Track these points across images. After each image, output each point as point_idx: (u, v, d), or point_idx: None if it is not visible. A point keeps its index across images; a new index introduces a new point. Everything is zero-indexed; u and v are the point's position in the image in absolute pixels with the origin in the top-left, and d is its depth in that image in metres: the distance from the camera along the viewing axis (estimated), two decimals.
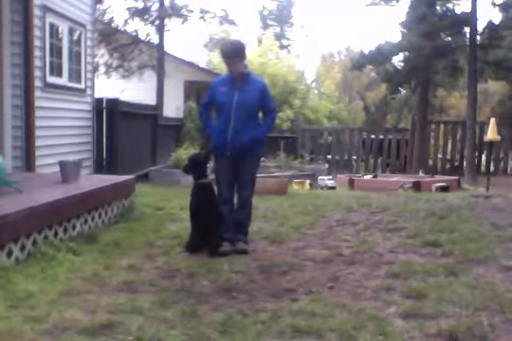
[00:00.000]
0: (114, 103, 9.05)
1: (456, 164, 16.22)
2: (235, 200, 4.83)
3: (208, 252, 4.39)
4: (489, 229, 5.32)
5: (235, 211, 4.77)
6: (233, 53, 4.59)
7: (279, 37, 35.00)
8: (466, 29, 15.50)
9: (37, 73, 6.73)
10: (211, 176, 4.82)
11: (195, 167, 4.65)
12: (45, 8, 6.95)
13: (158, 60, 14.25)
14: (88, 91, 8.41)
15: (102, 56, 13.99)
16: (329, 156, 16.66)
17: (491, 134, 10.03)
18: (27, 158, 6.48)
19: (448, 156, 16.38)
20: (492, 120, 10.05)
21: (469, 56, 15.20)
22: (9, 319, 2.84)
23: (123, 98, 10.46)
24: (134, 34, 14.73)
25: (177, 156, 10.14)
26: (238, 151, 4.60)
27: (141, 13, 14.35)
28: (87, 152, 8.35)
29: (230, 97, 4.58)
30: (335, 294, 3.46)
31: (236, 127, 4.57)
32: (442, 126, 16.54)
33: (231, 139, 4.58)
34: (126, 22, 14.41)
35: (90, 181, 5.68)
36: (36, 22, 6.68)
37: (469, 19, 15.08)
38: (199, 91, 17.19)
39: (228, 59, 4.61)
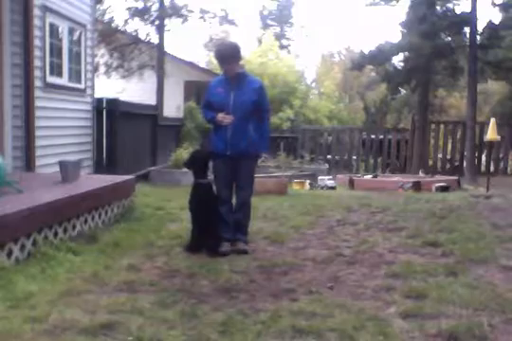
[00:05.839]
0: (114, 103, 9.04)
1: (456, 164, 16.22)
2: (234, 200, 4.82)
3: (207, 252, 4.39)
4: (489, 229, 5.32)
5: (235, 211, 4.77)
6: (228, 55, 4.57)
7: (279, 37, 35.01)
8: (466, 29, 15.50)
9: (37, 73, 6.72)
10: (211, 176, 4.82)
11: (196, 163, 4.64)
12: (45, 8, 6.95)
13: (158, 60, 14.24)
14: (88, 91, 8.41)
15: (102, 56, 13.99)
16: (329, 156, 16.65)
17: (491, 134, 10.01)
18: (27, 158, 6.47)
19: (448, 156, 16.38)
20: (492, 120, 10.04)
21: (469, 56, 15.20)
22: (9, 319, 2.84)
23: (123, 98, 10.46)
24: (134, 34, 14.71)
25: (177, 156, 10.14)
26: (237, 151, 4.60)
27: (141, 13, 14.34)
28: (87, 152, 8.35)
29: (227, 97, 4.58)
30: (335, 294, 3.46)
31: (234, 127, 4.55)
32: (442, 126, 16.53)
33: (231, 139, 4.58)
34: (126, 22, 14.40)
35: (90, 181, 5.68)
36: (36, 22, 6.67)
37: (469, 19, 15.08)
38: (199, 91, 17.19)
39: (222, 61, 4.59)
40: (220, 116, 4.56)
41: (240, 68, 4.69)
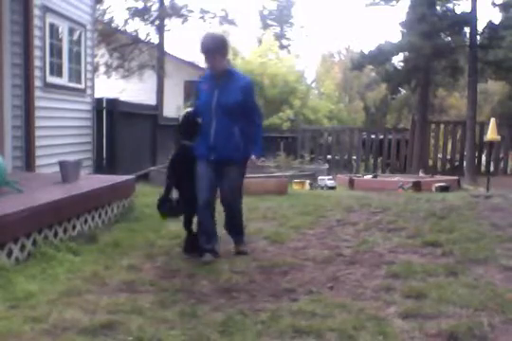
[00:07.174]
0: (114, 103, 9.05)
1: (456, 164, 16.23)
2: (222, 208, 4.48)
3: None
4: (489, 229, 5.31)
5: (225, 218, 4.52)
6: (214, 48, 4.16)
7: (279, 37, 34.98)
8: (466, 29, 15.52)
9: (37, 73, 6.73)
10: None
11: (188, 125, 4.34)
12: (45, 8, 6.95)
13: (158, 60, 14.26)
14: (88, 91, 8.41)
15: (102, 56, 13.99)
16: (329, 156, 16.66)
17: (491, 134, 10.01)
18: (27, 158, 6.48)
19: (448, 156, 16.39)
20: (492, 120, 10.04)
21: (469, 56, 15.22)
22: (9, 319, 2.84)
23: (123, 98, 10.46)
24: (134, 34, 14.73)
25: None
26: (221, 156, 4.20)
27: (141, 13, 14.36)
28: (87, 152, 8.35)
29: (211, 96, 4.19)
30: (335, 294, 3.46)
31: (218, 129, 4.16)
32: (442, 126, 16.54)
33: (214, 143, 4.18)
34: (126, 22, 14.43)
35: (90, 181, 5.68)
36: (36, 22, 6.68)
37: (469, 19, 15.09)
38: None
39: (207, 54, 4.18)
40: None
41: (226, 64, 4.31)
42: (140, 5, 14.39)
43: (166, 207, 4.47)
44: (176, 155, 4.54)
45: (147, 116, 11.05)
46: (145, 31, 14.69)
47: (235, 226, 4.60)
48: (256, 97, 4.58)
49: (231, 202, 4.42)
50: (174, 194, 4.50)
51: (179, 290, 3.46)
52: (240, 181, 4.43)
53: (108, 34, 13.99)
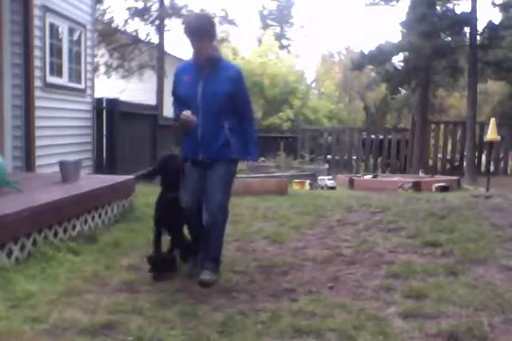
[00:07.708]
0: (114, 103, 9.04)
1: (456, 164, 16.23)
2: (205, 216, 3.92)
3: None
4: (489, 229, 5.31)
5: (204, 230, 3.81)
6: (200, 30, 3.66)
7: (279, 37, 35.02)
8: (466, 29, 15.52)
9: (37, 73, 6.73)
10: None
11: (168, 171, 3.81)
12: (45, 8, 6.95)
13: (158, 60, 14.25)
14: (88, 91, 8.41)
15: (102, 56, 14.00)
16: (329, 156, 16.67)
17: (491, 134, 10.02)
18: (27, 158, 6.48)
19: (448, 156, 16.39)
20: (492, 120, 10.05)
21: (469, 56, 15.22)
22: (9, 319, 2.84)
23: (123, 98, 10.46)
24: (134, 34, 14.73)
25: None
26: (210, 154, 3.73)
27: (141, 13, 14.36)
28: (87, 152, 8.35)
29: (195, 88, 3.69)
30: (335, 294, 3.46)
31: (205, 125, 3.69)
32: (442, 126, 16.56)
33: (201, 140, 3.72)
34: (126, 22, 14.42)
35: (90, 181, 5.68)
36: (36, 22, 6.68)
37: (469, 19, 15.09)
38: None
39: (193, 37, 3.67)
40: (184, 114, 3.61)
41: (214, 51, 3.83)
42: (140, 5, 14.40)
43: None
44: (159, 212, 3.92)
45: (147, 116, 11.05)
46: (145, 31, 14.71)
47: (213, 250, 3.79)
48: (247, 88, 4.00)
49: (215, 207, 3.70)
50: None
51: (179, 290, 3.46)
52: (228, 181, 3.81)
53: (108, 34, 13.99)
